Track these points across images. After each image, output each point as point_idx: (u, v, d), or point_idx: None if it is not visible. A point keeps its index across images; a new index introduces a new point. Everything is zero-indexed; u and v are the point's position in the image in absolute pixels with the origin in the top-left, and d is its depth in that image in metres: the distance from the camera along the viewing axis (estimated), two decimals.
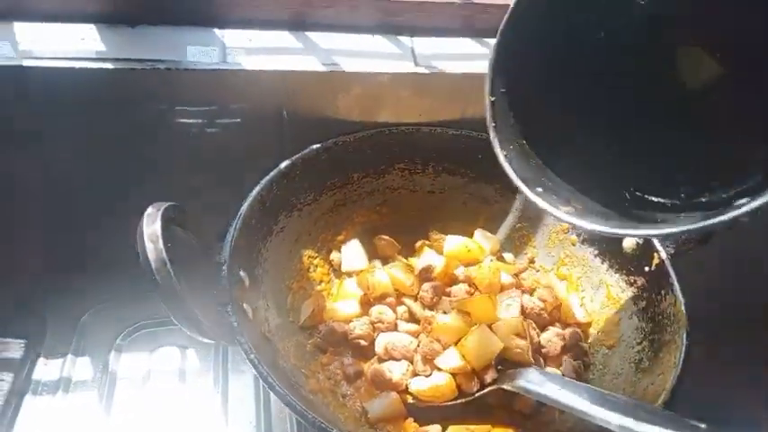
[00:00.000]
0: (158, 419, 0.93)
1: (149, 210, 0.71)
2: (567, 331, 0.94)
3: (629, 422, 0.66)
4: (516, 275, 1.04)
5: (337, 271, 1.06)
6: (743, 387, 1.16)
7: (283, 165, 0.98)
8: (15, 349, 1.00)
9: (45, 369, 0.99)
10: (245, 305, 0.79)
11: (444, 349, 0.85)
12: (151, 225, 0.69)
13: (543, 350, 0.91)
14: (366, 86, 1.02)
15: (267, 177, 0.95)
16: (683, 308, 0.84)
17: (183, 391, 0.98)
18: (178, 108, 0.98)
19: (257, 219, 0.92)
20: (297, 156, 1.00)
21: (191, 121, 1.07)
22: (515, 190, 1.13)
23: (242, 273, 0.83)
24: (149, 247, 0.66)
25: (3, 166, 0.97)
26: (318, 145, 1.03)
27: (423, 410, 0.84)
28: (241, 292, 0.81)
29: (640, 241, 0.94)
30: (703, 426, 0.64)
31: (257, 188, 0.93)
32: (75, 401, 0.94)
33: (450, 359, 0.83)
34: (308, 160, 1.01)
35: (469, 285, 0.95)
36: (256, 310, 0.84)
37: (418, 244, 1.10)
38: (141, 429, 0.91)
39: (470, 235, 1.10)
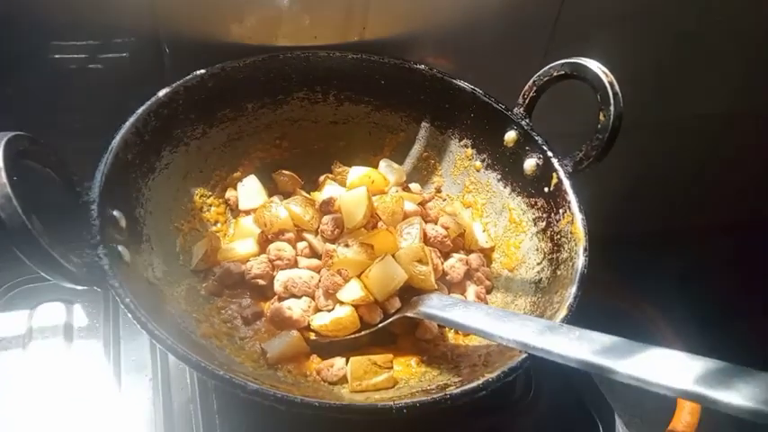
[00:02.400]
0: (42, 383, 0.85)
1: None
2: (471, 257, 0.94)
3: (523, 336, 0.67)
4: (422, 205, 1.01)
5: (234, 210, 0.99)
6: (638, 302, 1.23)
7: (162, 93, 0.88)
8: None
9: None
10: (120, 248, 0.71)
11: (346, 282, 0.82)
12: None
13: (447, 277, 0.90)
14: (257, 6, 0.92)
15: (143, 107, 0.85)
16: (580, 225, 0.85)
17: (71, 349, 0.90)
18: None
19: (134, 154, 0.82)
20: (178, 83, 0.91)
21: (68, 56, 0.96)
22: (421, 118, 1.12)
23: (115, 212, 0.74)
24: None
25: None
26: (203, 71, 0.93)
27: (327, 346, 0.82)
28: (115, 234, 0.73)
29: (540, 162, 0.94)
30: (599, 336, 0.65)
31: (131, 119, 0.83)
32: None
33: (352, 291, 0.80)
34: (192, 88, 0.92)
35: (373, 217, 0.91)
36: (137, 254, 0.77)
37: (322, 178, 1.05)
38: (24, 395, 0.83)
39: (376, 166, 1.06)
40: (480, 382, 0.65)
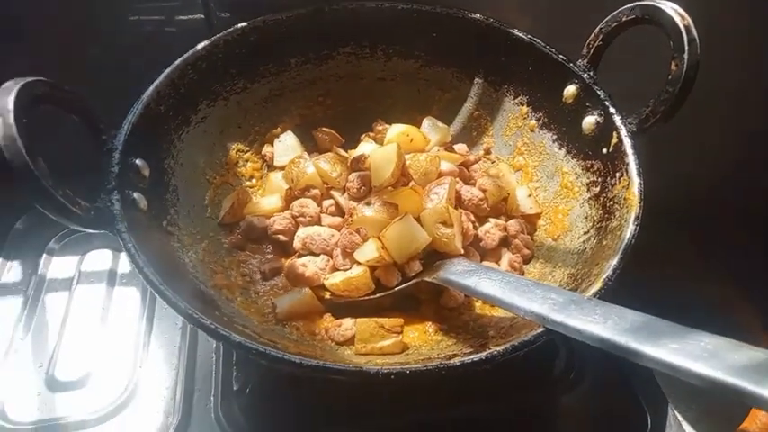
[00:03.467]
0: (84, 320, 0.90)
1: (6, 84, 0.63)
2: (510, 223, 0.85)
3: (541, 308, 0.58)
4: (466, 167, 0.94)
5: (271, 167, 0.97)
6: (685, 278, 1.05)
7: (200, 45, 0.87)
8: None
9: None
10: (135, 195, 0.72)
11: (364, 242, 0.77)
12: (2, 99, 0.61)
13: (481, 243, 0.82)
14: None
15: (180, 59, 0.85)
16: (635, 190, 0.73)
17: (112, 293, 0.94)
18: None
19: (168, 106, 0.83)
20: (218, 36, 0.89)
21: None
22: (474, 73, 1.03)
23: (138, 161, 0.75)
24: None
25: None
26: (244, 24, 0.91)
27: (343, 307, 0.78)
28: (134, 181, 0.73)
29: (600, 119, 0.83)
30: (629, 313, 0.55)
31: (166, 71, 0.83)
32: (2, 304, 0.91)
33: (367, 251, 0.75)
34: (233, 42, 0.90)
35: (404, 176, 0.85)
36: (159, 204, 0.77)
37: (363, 137, 1.00)
38: (66, 330, 0.88)
39: (420, 125, 0.99)
40: (484, 354, 0.58)
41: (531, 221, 0.88)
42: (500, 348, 0.58)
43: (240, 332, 0.61)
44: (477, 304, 0.80)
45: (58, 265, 0.97)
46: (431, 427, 0.79)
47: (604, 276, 0.65)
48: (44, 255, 0.99)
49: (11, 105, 0.61)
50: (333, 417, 0.77)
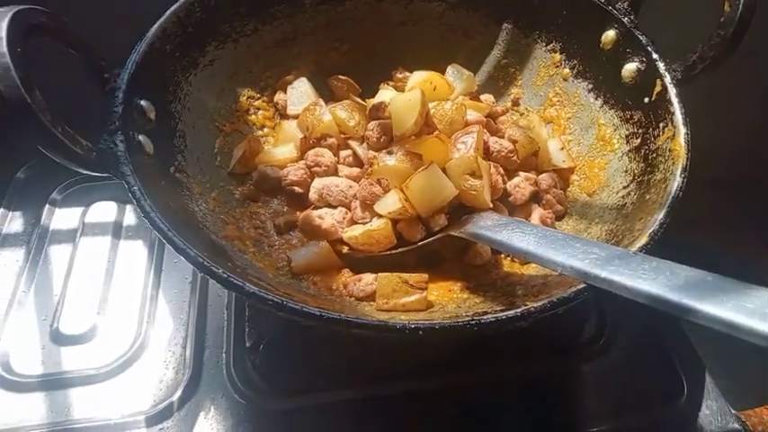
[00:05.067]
0: (89, 273, 0.86)
1: None
2: (541, 177, 0.79)
3: (583, 263, 0.53)
4: (493, 119, 0.88)
5: (284, 115, 0.91)
6: (736, 235, 1.00)
7: None
8: None
9: None
10: (141, 137, 0.67)
11: (386, 193, 0.72)
12: None
13: (510, 198, 0.77)
14: None
15: None
16: (682, 140, 0.68)
17: (118, 246, 0.90)
18: None
19: (175, 45, 0.77)
20: None
21: None
22: (503, 18, 0.96)
23: (143, 102, 0.70)
24: None
25: None
26: None
27: (362, 262, 0.73)
28: (139, 123, 0.68)
29: (642, 66, 0.76)
30: (681, 269, 0.50)
31: (173, 7, 0.77)
32: (4, 255, 0.88)
33: (390, 203, 0.70)
34: None
35: (428, 125, 0.79)
36: (166, 149, 0.72)
37: (382, 85, 0.94)
38: (70, 283, 0.84)
39: (444, 73, 0.93)
40: (519, 310, 0.53)
41: (563, 176, 0.82)
42: (537, 304, 0.53)
43: (254, 283, 0.57)
44: (506, 262, 0.75)
45: (61, 217, 0.93)
46: (451, 390, 0.75)
47: (650, 231, 0.60)
48: (47, 206, 0.94)
49: (3, 32, 0.55)
50: (349, 376, 0.73)
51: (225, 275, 0.54)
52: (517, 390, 0.75)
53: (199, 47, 0.81)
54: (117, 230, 0.91)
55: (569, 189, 0.82)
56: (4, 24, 0.56)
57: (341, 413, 0.71)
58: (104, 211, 0.94)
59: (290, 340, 0.75)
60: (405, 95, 0.78)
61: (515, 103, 0.94)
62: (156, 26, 0.74)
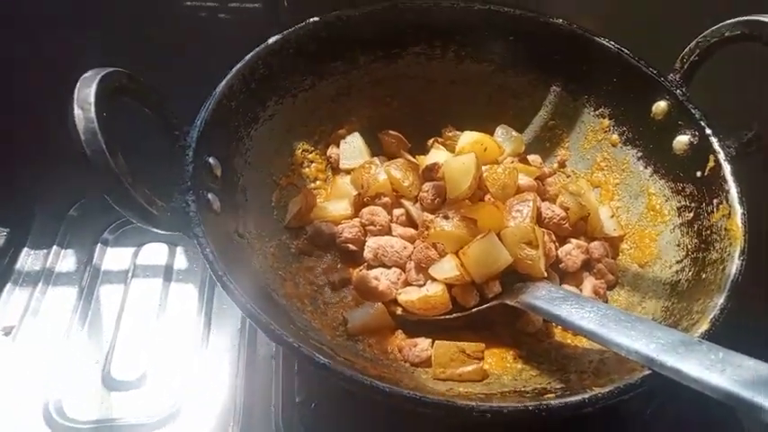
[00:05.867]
0: (140, 316, 0.87)
1: (87, 73, 0.60)
2: (592, 245, 0.80)
3: (649, 348, 0.54)
4: (541, 180, 0.89)
5: (335, 168, 0.93)
6: None
7: (272, 39, 0.84)
8: None
9: (28, 259, 0.94)
10: (210, 195, 0.69)
11: (441, 257, 0.73)
12: (84, 90, 0.58)
13: (561, 265, 0.78)
14: None
15: (251, 54, 0.81)
16: (739, 221, 0.68)
17: (168, 289, 0.92)
18: None
19: (239, 102, 0.79)
20: (290, 30, 0.86)
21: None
22: (551, 81, 0.98)
23: (211, 160, 0.72)
24: (78, 114, 0.56)
25: None
26: (317, 18, 0.87)
27: (415, 324, 0.74)
28: (207, 181, 0.70)
29: (695, 140, 0.77)
30: (750, 361, 0.51)
31: (238, 65, 0.80)
32: (56, 293, 0.90)
33: (446, 268, 0.71)
34: (304, 36, 0.86)
35: (480, 189, 0.81)
36: (230, 204, 0.74)
37: (430, 142, 0.96)
38: (122, 325, 0.86)
39: (492, 134, 0.94)
40: (587, 395, 0.54)
41: (613, 244, 0.83)
42: (604, 391, 0.54)
43: (317, 349, 0.58)
44: (557, 331, 0.75)
45: (112, 257, 0.96)
46: None
47: (711, 316, 0.60)
48: (98, 245, 0.97)
49: (92, 98, 0.58)
50: None
51: (297, 345, 0.55)
52: None
53: (260, 102, 0.84)
54: (168, 273, 0.93)
55: (619, 258, 0.83)
56: (93, 90, 0.59)
57: None
58: (155, 252, 0.96)
59: (342, 399, 0.75)
60: (459, 159, 0.79)
61: (562, 164, 0.95)
62: (222, 83, 0.77)
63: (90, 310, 0.88)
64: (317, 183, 0.92)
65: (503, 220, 0.74)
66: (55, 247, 0.96)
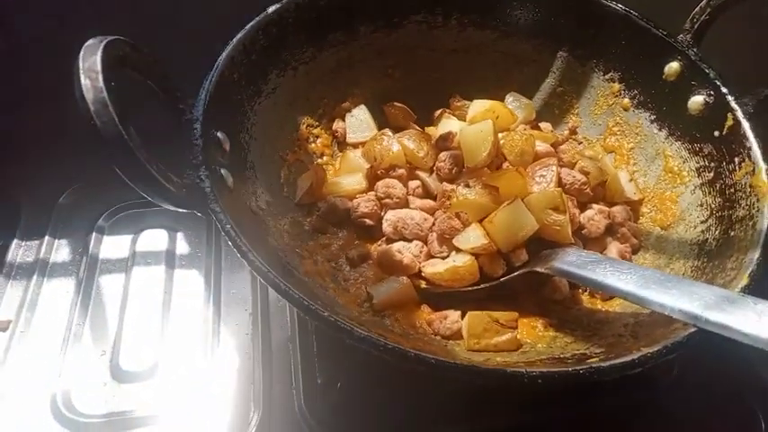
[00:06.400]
0: (144, 305, 0.83)
1: (90, 41, 0.55)
2: (614, 209, 0.79)
3: (692, 306, 0.53)
4: (554, 147, 0.87)
5: (342, 143, 0.90)
6: None
7: (272, 9, 0.80)
8: None
9: (19, 252, 0.89)
10: (223, 171, 0.65)
11: (465, 227, 0.71)
12: (89, 58, 0.53)
13: (584, 231, 0.77)
14: None
15: (251, 23, 0.77)
16: (764, 176, 0.68)
17: (172, 276, 0.87)
18: None
19: (240, 73, 0.75)
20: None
21: None
22: (557, 46, 0.96)
23: (219, 134, 0.68)
24: (85, 84, 0.51)
25: None
26: None
27: (439, 297, 0.72)
28: (218, 156, 0.66)
29: (710, 99, 0.76)
30: None
31: (239, 35, 0.76)
32: (53, 285, 0.85)
33: (473, 238, 0.69)
34: (304, 6, 0.83)
35: (498, 156, 0.78)
36: (241, 181, 0.70)
37: (438, 112, 0.93)
38: (126, 316, 0.82)
39: (501, 101, 0.92)
40: (636, 356, 0.52)
41: (633, 208, 0.82)
42: (653, 350, 0.53)
43: (352, 325, 0.55)
44: (584, 297, 0.74)
45: (110, 245, 0.90)
46: (523, 429, 0.74)
47: (749, 271, 0.60)
48: (94, 233, 0.92)
49: (99, 66, 0.53)
50: (432, 417, 0.71)
51: (334, 320, 0.52)
52: (587, 425, 0.74)
53: (262, 75, 0.80)
54: (170, 259, 0.89)
55: (640, 221, 0.82)
56: (98, 58, 0.54)
57: None
58: (155, 238, 0.91)
59: (366, 379, 0.72)
60: (476, 126, 0.77)
61: (573, 131, 0.94)
62: (224, 54, 0.73)
63: (91, 301, 0.83)
64: (324, 158, 0.88)
65: (526, 186, 0.73)
66: (47, 237, 0.90)
